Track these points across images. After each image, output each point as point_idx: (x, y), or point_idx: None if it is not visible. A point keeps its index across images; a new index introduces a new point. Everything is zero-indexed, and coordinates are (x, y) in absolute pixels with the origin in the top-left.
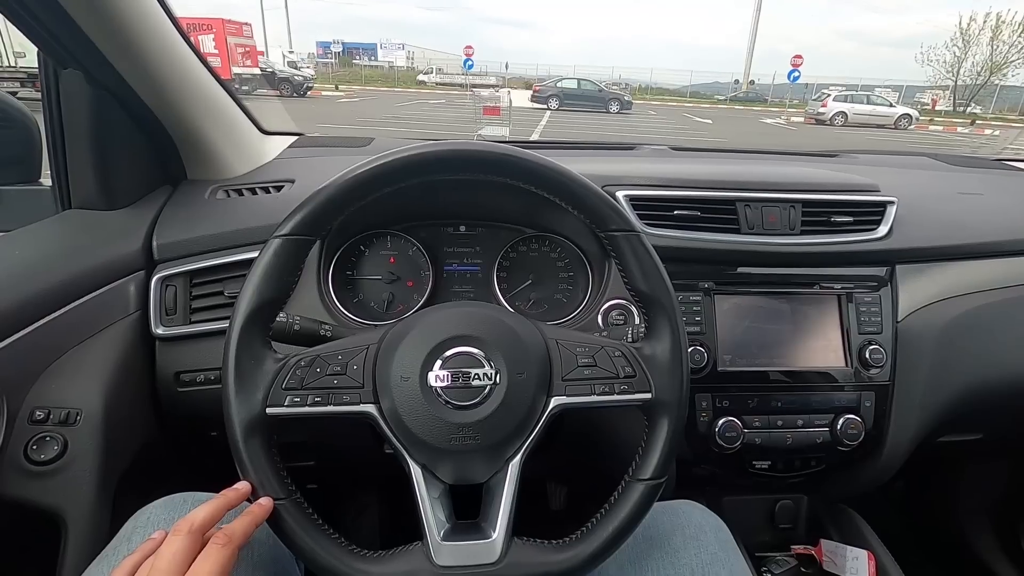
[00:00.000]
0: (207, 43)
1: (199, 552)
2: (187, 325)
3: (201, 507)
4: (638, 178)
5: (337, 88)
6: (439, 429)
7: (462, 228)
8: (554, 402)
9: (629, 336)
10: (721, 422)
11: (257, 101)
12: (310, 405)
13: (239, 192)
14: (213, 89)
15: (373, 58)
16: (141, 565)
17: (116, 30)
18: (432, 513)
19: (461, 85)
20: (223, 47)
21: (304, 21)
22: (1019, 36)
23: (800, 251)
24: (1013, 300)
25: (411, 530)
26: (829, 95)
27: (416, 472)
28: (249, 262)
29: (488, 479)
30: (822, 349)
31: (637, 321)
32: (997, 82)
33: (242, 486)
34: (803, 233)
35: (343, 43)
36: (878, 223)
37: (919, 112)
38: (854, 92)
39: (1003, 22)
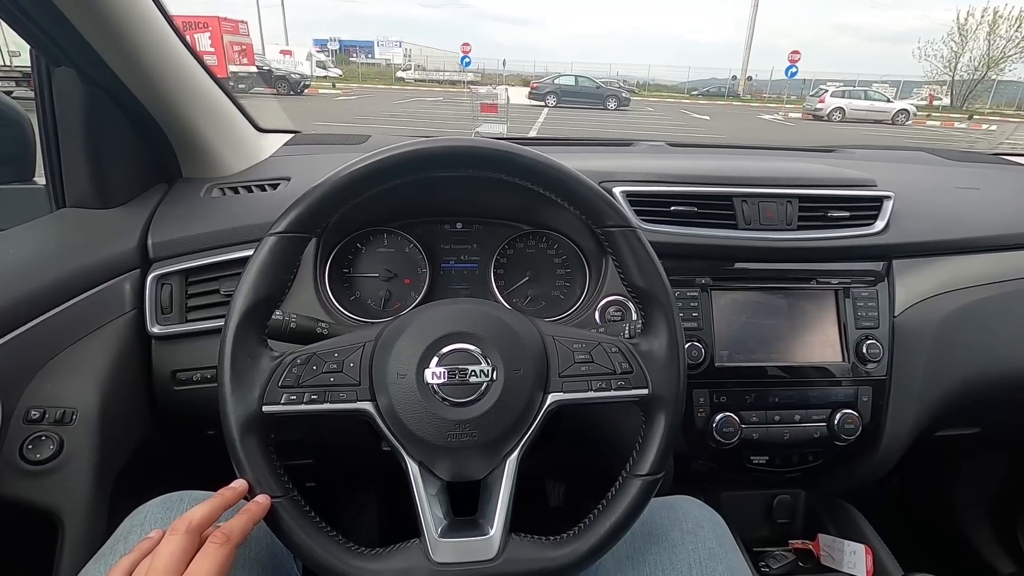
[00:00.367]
0: (203, 41)
1: (197, 551)
2: (183, 324)
3: (198, 506)
4: (635, 174)
5: (334, 86)
6: (436, 426)
7: (459, 225)
8: (551, 398)
9: (626, 332)
10: (718, 417)
11: (253, 99)
12: (306, 403)
13: (235, 190)
14: (208, 86)
15: (370, 56)
16: (138, 564)
17: (109, 28)
18: (429, 510)
19: (439, 81)
20: (219, 45)
21: (301, 19)
22: (1016, 31)
23: (797, 246)
24: (1010, 294)
25: (409, 527)
26: (827, 91)
27: (413, 469)
28: (245, 260)
29: (485, 476)
30: (819, 344)
31: (634, 317)
32: (994, 77)
33: (239, 484)
34: (800, 228)
35: (340, 41)
36: (875, 218)
37: (916, 108)
38: (852, 88)
39: (1000, 17)
